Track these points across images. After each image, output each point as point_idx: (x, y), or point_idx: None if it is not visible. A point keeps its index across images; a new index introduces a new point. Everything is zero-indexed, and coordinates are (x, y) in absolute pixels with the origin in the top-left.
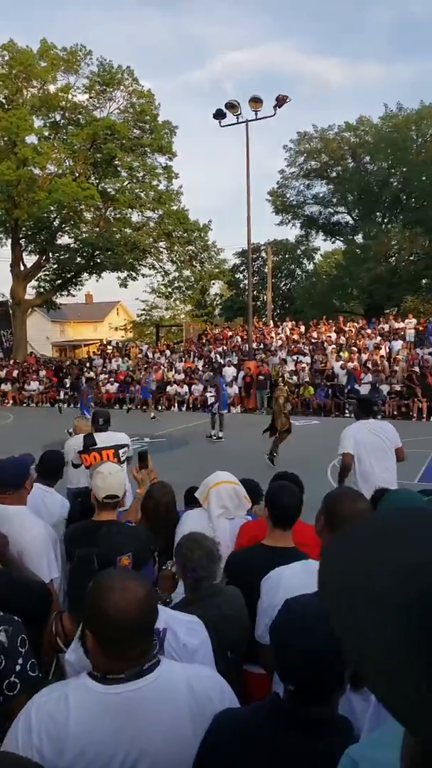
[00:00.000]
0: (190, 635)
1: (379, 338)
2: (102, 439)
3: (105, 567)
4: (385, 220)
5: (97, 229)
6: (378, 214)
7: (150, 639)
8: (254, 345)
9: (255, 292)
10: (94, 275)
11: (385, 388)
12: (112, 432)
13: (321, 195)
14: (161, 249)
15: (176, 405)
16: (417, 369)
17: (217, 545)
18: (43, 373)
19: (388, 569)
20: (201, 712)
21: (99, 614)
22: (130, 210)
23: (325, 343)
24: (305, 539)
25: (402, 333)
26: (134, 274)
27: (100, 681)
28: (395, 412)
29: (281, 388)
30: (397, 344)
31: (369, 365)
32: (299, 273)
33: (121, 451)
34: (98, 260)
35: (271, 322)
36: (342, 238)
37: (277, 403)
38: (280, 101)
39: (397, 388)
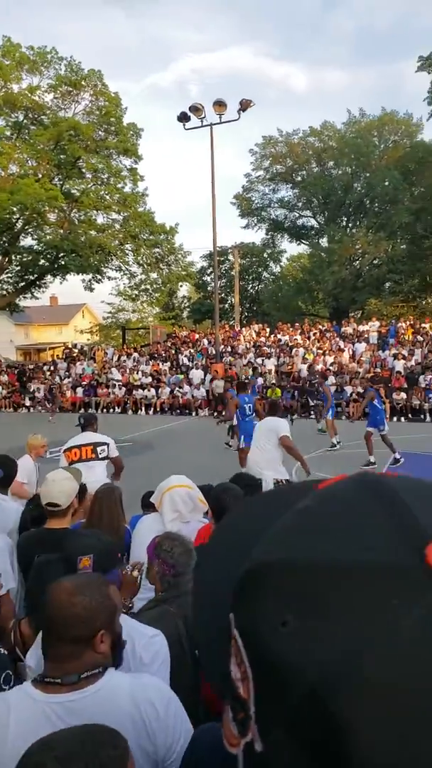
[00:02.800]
0: (146, 648)
1: (343, 341)
2: (83, 438)
3: (69, 571)
4: (350, 225)
5: (62, 230)
6: (343, 218)
7: (85, 646)
8: (221, 348)
9: (223, 295)
10: (59, 277)
11: (349, 390)
12: (94, 433)
13: (286, 199)
14: (127, 251)
15: (143, 408)
16: (379, 370)
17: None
18: (5, 377)
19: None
20: (144, 724)
21: (43, 610)
22: (95, 212)
23: (292, 347)
24: None
25: (366, 336)
26: (99, 277)
27: (41, 687)
28: (359, 414)
29: None
30: (361, 347)
31: (333, 367)
32: (266, 276)
33: (99, 449)
34: (62, 262)
35: (239, 324)
36: (307, 242)
37: None
38: (244, 105)
39: (361, 389)
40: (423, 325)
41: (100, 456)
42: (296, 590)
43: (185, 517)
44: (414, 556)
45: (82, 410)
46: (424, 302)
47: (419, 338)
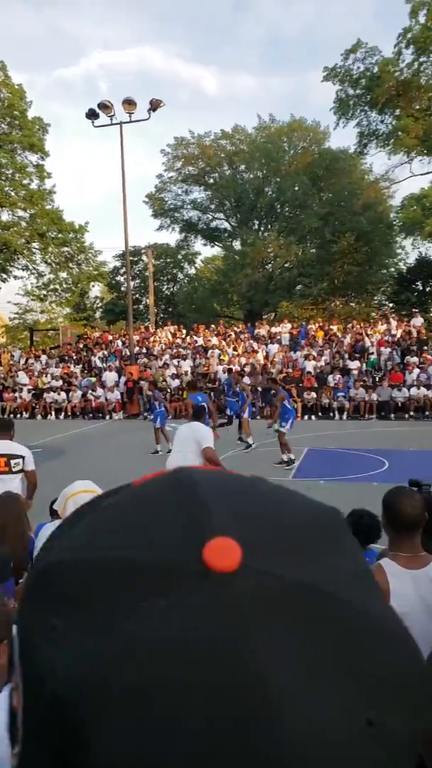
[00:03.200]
0: None
1: (256, 342)
2: None
3: None
4: (262, 228)
5: None
6: (255, 221)
7: None
8: (136, 349)
9: (137, 296)
10: None
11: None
12: (10, 442)
13: (199, 201)
14: (34, 250)
15: (53, 413)
16: (290, 370)
17: None
18: None
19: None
20: None
21: None
22: None
23: (208, 348)
24: None
25: (278, 337)
26: (5, 276)
27: None
28: (276, 417)
29: None
30: (274, 348)
31: (247, 369)
32: (181, 277)
33: (13, 462)
34: None
35: (153, 325)
36: (221, 244)
37: None
38: (154, 105)
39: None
40: (331, 327)
41: (14, 469)
42: (68, 592)
43: None
44: (192, 554)
45: None
46: (332, 305)
47: (328, 340)
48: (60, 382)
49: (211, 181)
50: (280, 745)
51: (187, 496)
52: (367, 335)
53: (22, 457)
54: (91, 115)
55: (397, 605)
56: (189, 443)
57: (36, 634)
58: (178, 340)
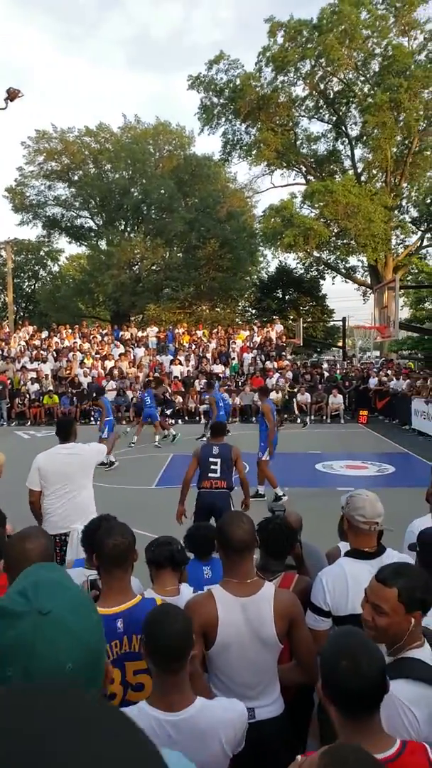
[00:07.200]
0: None
1: (122, 346)
2: None
3: None
4: (128, 229)
5: None
6: (121, 221)
7: None
8: None
9: None
10: None
11: (130, 394)
12: None
13: (63, 197)
14: None
15: None
16: (158, 374)
17: None
18: None
19: None
20: None
21: None
22: None
23: (71, 351)
24: None
25: (145, 341)
26: None
27: None
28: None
29: None
30: (140, 351)
31: (114, 372)
32: (44, 274)
33: None
34: None
35: (10, 325)
36: (86, 243)
37: None
38: (12, 95)
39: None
40: (197, 331)
41: None
42: None
43: None
44: None
45: None
46: (199, 309)
47: (194, 345)
48: None
49: (76, 178)
50: None
51: None
52: (231, 341)
53: None
54: None
55: (225, 635)
56: (86, 471)
57: None
58: (37, 342)
